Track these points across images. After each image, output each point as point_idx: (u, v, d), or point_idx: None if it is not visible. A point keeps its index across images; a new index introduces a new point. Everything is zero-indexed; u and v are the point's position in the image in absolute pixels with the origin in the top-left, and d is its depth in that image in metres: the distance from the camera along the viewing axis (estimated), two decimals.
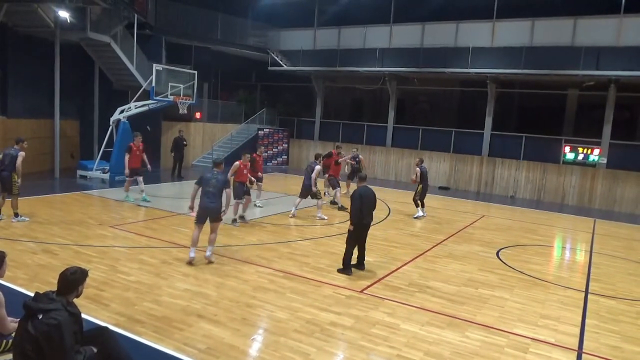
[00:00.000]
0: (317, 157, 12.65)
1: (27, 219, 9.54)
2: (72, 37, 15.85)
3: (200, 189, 7.83)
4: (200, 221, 7.83)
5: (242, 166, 10.57)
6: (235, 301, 6.33)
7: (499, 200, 17.87)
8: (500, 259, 9.42)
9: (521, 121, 21.89)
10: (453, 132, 20.49)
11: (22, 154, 9.46)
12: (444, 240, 10.70)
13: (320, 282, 7.31)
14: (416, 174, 12.83)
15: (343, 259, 7.82)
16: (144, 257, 7.95)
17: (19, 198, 9.71)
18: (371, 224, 8.04)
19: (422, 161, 13.18)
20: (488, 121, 19.54)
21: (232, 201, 9.33)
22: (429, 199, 13.63)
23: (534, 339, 5.82)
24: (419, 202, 12.91)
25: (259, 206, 12.61)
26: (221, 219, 7.96)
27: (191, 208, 7.97)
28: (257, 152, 12.60)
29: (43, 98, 16.11)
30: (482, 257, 9.49)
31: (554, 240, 12.40)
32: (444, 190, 19.45)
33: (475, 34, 18.95)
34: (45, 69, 15.58)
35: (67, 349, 3.60)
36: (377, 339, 5.50)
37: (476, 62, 18.42)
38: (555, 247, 11.61)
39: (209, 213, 7.79)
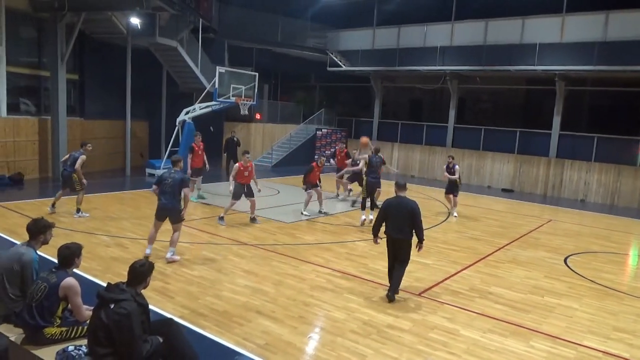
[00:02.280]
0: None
1: (86, 214, 10.02)
2: (142, 42, 16.78)
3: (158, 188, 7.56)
4: (158, 219, 7.63)
5: (241, 168, 10.24)
6: (293, 299, 6.42)
7: (567, 204, 16.93)
8: (568, 266, 8.93)
9: (593, 121, 20.56)
10: (517, 133, 19.66)
11: (82, 157, 9.98)
12: (507, 244, 10.29)
13: (378, 283, 7.25)
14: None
15: None
16: (206, 252, 8.24)
17: (85, 195, 10.30)
18: (408, 240, 6.62)
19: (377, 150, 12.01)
20: (556, 120, 18.58)
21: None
22: (491, 202, 13.14)
23: (605, 352, 5.47)
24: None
25: (324, 213, 12.19)
26: (181, 220, 7.66)
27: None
28: (318, 163, 12.06)
29: (115, 100, 17.13)
30: (549, 263, 9.04)
31: (630, 247, 11.58)
32: (507, 192, 18.70)
33: (543, 29, 18.07)
34: (117, 74, 16.56)
35: (136, 337, 3.80)
36: (435, 344, 5.39)
37: (544, 59, 17.56)
38: (630, 255, 10.84)
39: (166, 213, 7.57)
